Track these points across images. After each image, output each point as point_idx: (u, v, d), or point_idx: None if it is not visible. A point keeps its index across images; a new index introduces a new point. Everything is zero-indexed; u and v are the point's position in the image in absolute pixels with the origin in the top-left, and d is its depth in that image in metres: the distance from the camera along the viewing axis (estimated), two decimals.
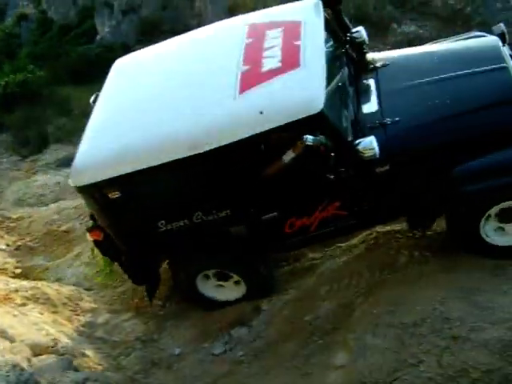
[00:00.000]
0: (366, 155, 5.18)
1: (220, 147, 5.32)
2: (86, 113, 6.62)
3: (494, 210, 5.45)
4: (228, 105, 5.47)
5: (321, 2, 6.25)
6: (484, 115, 5.48)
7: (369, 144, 5.18)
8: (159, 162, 5.46)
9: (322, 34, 5.86)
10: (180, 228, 5.91)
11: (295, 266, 7.01)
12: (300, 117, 5.13)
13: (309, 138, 5.08)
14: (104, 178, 5.60)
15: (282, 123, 5.18)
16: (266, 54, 5.80)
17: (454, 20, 11.87)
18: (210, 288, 6.49)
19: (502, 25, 6.23)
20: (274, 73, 5.50)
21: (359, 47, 6.51)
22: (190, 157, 5.39)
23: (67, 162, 9.56)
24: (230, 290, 6.50)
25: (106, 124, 6.15)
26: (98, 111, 6.34)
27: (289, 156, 5.25)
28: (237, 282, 6.40)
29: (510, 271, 5.50)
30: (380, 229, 6.50)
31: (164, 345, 6.37)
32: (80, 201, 7.63)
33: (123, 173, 5.55)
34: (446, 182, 5.40)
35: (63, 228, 8.79)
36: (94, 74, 11.66)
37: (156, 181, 5.69)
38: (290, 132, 5.20)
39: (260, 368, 5.62)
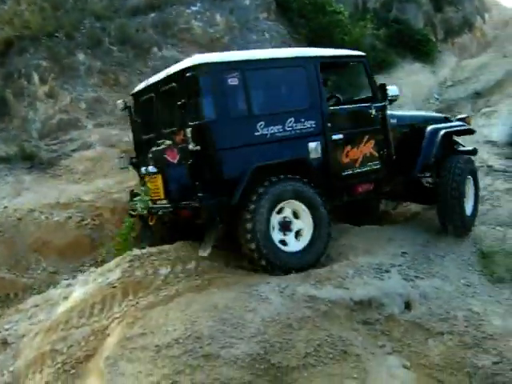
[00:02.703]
0: (392, 95, 7.66)
1: None
2: None
3: None
4: None
5: None
6: None
7: (395, 89, 7.75)
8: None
9: None
10: (272, 136, 6.60)
11: (49, 293, 6.68)
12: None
13: None
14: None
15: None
16: None
17: (213, 48, 12.33)
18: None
19: None
20: None
21: None
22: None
23: None
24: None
25: None
26: None
27: None
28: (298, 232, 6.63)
29: (260, 288, 5.80)
30: (135, 252, 6.45)
31: None
32: None
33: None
34: None
35: None
36: None
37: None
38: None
39: None
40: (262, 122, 6.51)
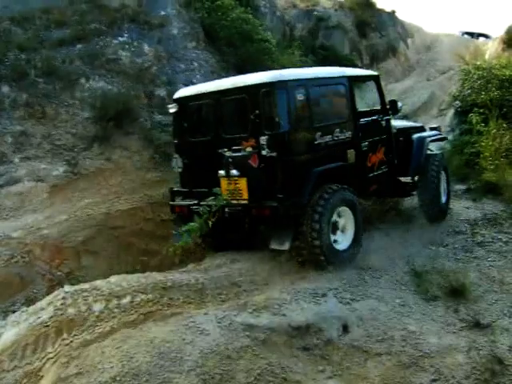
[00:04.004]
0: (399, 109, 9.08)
1: None
2: None
3: None
4: None
5: None
6: None
7: (400, 103, 9.13)
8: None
9: None
10: (325, 144, 7.57)
11: None
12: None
13: None
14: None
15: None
16: None
17: (142, 78, 12.28)
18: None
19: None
20: None
21: None
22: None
23: None
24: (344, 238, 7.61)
25: None
26: None
27: None
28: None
29: (197, 320, 5.73)
30: (68, 289, 6.26)
31: None
32: None
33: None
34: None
35: None
36: None
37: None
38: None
39: None
40: (319, 133, 7.51)
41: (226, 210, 7.17)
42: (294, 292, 6.50)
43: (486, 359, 5.74)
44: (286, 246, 7.08)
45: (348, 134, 8.01)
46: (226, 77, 13.25)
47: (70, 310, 5.90)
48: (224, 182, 7.20)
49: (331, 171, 7.51)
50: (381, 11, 29.81)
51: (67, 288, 6.37)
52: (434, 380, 5.48)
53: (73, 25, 12.58)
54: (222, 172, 7.20)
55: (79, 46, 12.19)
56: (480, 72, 14.48)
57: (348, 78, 8.30)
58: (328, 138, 7.65)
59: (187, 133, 8.15)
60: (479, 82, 14.09)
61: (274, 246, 7.15)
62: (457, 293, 6.93)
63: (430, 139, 9.68)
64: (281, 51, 16.38)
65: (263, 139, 7.00)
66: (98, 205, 9.64)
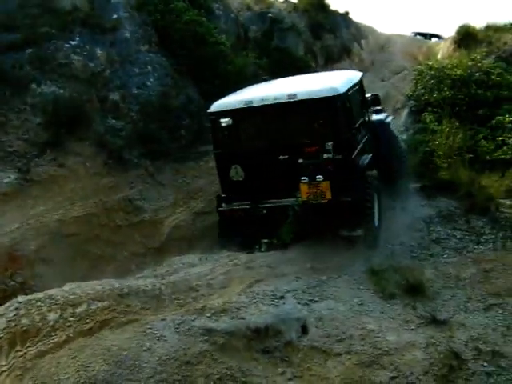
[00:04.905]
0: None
1: None
2: None
3: None
4: None
5: None
6: None
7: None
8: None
9: None
10: (360, 141, 8.94)
11: None
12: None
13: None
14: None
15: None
16: None
17: (94, 82, 12.08)
18: None
19: None
20: None
21: None
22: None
23: None
24: None
25: None
26: None
27: None
28: None
29: (154, 326, 5.66)
30: (21, 299, 6.07)
31: None
32: None
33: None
34: None
35: None
36: None
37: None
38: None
39: None
40: (357, 132, 8.79)
41: (296, 208, 8.15)
42: (252, 295, 6.49)
43: (443, 355, 5.83)
44: (360, 232, 8.12)
45: (366, 130, 9.44)
46: (181, 80, 13.29)
47: (24, 321, 5.72)
48: (305, 187, 7.98)
49: (368, 163, 8.71)
50: (334, 13, 30.00)
51: (21, 298, 6.18)
52: (393, 377, 5.53)
53: (23, 29, 12.27)
54: (305, 178, 7.95)
55: (30, 50, 11.87)
56: (433, 72, 14.71)
57: (361, 79, 9.90)
58: (361, 135, 9.04)
59: (238, 142, 8.66)
60: (432, 81, 14.32)
61: (346, 233, 8.13)
62: (414, 290, 7.03)
63: (388, 121, 10.72)
64: (236, 53, 16.32)
65: (329, 144, 7.93)
66: (51, 212, 9.45)
